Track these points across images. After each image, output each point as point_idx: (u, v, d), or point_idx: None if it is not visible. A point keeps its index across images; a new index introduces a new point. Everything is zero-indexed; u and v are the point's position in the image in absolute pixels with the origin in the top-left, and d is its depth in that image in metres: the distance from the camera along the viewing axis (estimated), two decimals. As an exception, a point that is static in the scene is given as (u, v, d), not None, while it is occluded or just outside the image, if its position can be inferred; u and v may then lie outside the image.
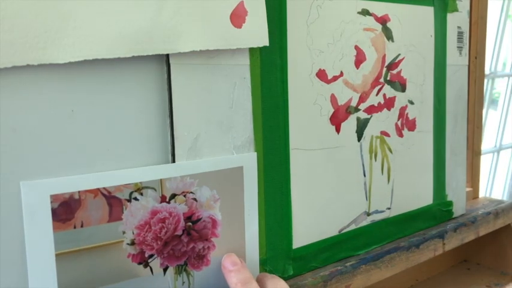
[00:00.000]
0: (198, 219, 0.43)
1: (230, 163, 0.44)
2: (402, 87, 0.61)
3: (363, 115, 0.57)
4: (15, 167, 0.34)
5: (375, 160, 0.59)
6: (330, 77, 0.53)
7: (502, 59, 1.23)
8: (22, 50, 0.33)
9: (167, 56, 0.40)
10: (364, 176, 0.58)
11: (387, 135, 0.60)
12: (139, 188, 0.39)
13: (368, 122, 0.57)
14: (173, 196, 0.41)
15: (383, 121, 0.59)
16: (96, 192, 0.37)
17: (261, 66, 0.46)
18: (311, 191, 0.52)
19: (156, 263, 0.41)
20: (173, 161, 0.41)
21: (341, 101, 0.54)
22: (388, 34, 0.59)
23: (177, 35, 0.39)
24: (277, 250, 0.49)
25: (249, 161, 0.46)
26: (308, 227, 0.52)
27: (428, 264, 0.72)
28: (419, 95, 0.63)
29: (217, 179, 0.44)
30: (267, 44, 0.45)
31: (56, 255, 0.36)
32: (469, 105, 0.79)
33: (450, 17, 0.67)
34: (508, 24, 1.20)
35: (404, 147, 0.62)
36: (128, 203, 0.39)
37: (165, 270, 0.41)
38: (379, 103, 0.58)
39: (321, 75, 0.52)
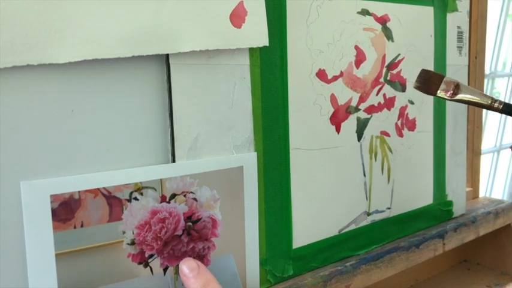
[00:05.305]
0: (198, 219, 0.43)
1: (230, 163, 0.44)
2: (402, 87, 0.61)
3: (363, 115, 0.57)
4: (15, 167, 0.34)
5: (375, 160, 0.59)
6: (329, 77, 0.53)
7: (502, 58, 1.23)
8: (22, 50, 0.33)
9: (167, 56, 0.40)
10: (364, 175, 0.58)
11: (387, 135, 0.60)
12: (139, 188, 0.39)
13: (368, 122, 0.57)
14: (173, 196, 0.41)
15: (383, 121, 0.59)
16: (96, 192, 0.37)
17: (261, 66, 0.46)
18: (311, 191, 0.52)
19: (156, 263, 0.41)
20: (173, 161, 0.41)
21: (341, 101, 0.54)
22: (388, 34, 0.59)
23: (177, 35, 0.39)
24: (277, 250, 0.49)
25: (249, 161, 0.46)
26: (308, 227, 0.52)
27: (428, 264, 0.72)
28: (419, 95, 0.63)
29: (217, 179, 0.44)
30: (267, 44, 0.45)
31: (56, 255, 0.36)
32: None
33: (450, 16, 0.67)
34: (508, 24, 1.20)
35: (404, 147, 0.62)
36: (128, 203, 0.39)
37: (165, 270, 0.41)
38: (379, 103, 0.58)
39: (321, 75, 0.52)
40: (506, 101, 0.49)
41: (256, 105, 0.46)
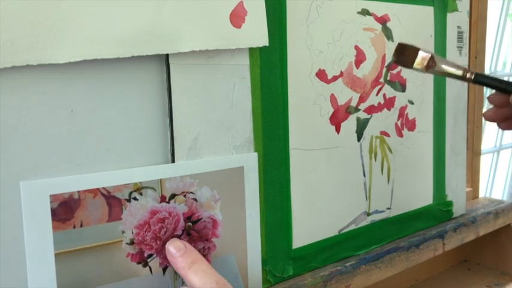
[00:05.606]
0: (198, 220, 0.43)
1: (230, 163, 0.44)
2: (402, 87, 0.61)
3: (362, 115, 0.57)
4: (15, 167, 0.34)
5: (375, 160, 0.59)
6: (329, 77, 0.53)
7: (502, 58, 1.23)
8: (22, 50, 0.33)
9: (167, 56, 0.40)
10: (364, 176, 0.58)
11: (387, 135, 0.60)
12: (139, 188, 0.39)
13: (368, 122, 0.57)
14: (173, 196, 0.41)
15: (383, 121, 0.59)
16: (95, 192, 0.37)
17: (261, 66, 0.46)
18: (311, 191, 0.52)
19: (155, 262, 0.41)
20: (173, 161, 0.41)
21: (341, 101, 0.54)
22: (388, 34, 0.59)
23: (176, 35, 0.39)
24: (277, 250, 0.49)
25: (249, 161, 0.46)
26: (308, 227, 0.52)
27: (428, 264, 0.72)
28: (419, 95, 0.63)
29: (217, 179, 0.44)
30: (267, 44, 0.45)
31: (56, 255, 0.36)
32: (468, 105, 0.79)
33: (450, 16, 0.67)
34: (508, 24, 1.20)
35: (404, 147, 0.62)
36: (128, 203, 0.39)
37: (164, 269, 0.41)
38: (379, 103, 0.58)
39: (321, 75, 0.52)
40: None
41: (256, 105, 0.46)
